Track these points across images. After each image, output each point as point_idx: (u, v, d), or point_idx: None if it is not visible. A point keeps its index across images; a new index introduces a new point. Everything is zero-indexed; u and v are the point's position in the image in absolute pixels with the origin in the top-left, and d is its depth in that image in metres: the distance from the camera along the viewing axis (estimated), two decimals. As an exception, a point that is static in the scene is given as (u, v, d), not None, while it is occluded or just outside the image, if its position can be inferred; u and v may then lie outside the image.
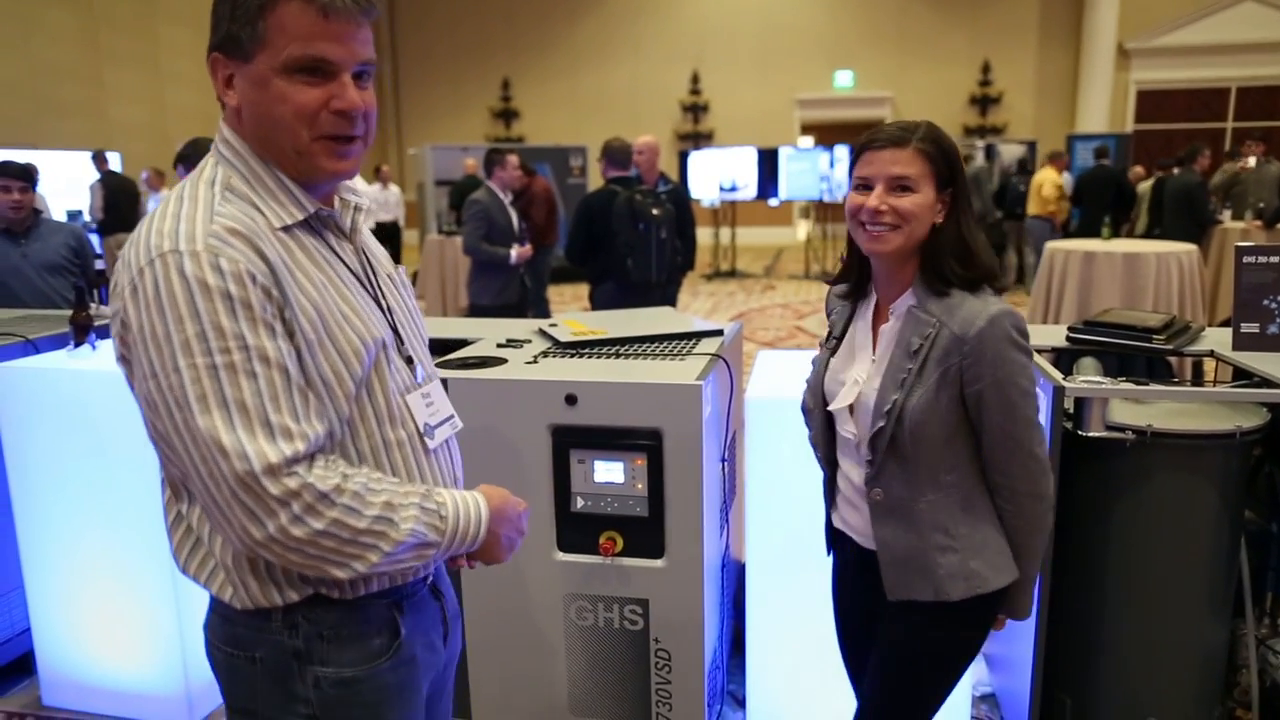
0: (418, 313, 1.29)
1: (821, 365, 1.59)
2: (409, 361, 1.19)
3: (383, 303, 1.17)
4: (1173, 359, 2.45)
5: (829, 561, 1.73)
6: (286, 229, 1.06)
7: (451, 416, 1.26)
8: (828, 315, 1.66)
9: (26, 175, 3.54)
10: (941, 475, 1.44)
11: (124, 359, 1.02)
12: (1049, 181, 9.18)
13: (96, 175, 9.05)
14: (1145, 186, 9.07)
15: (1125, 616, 2.13)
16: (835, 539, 1.68)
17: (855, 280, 1.57)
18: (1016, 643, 2.27)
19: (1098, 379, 2.09)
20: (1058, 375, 2.06)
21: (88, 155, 9.37)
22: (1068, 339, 2.46)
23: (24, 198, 3.52)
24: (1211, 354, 2.37)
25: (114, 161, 10.09)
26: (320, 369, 1.04)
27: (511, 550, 1.20)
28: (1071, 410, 2.11)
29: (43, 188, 8.20)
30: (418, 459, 1.16)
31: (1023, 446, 1.41)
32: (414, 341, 1.23)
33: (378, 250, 1.25)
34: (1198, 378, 2.73)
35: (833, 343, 1.59)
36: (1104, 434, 2.07)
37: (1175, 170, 8.22)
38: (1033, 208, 9.33)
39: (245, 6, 1.01)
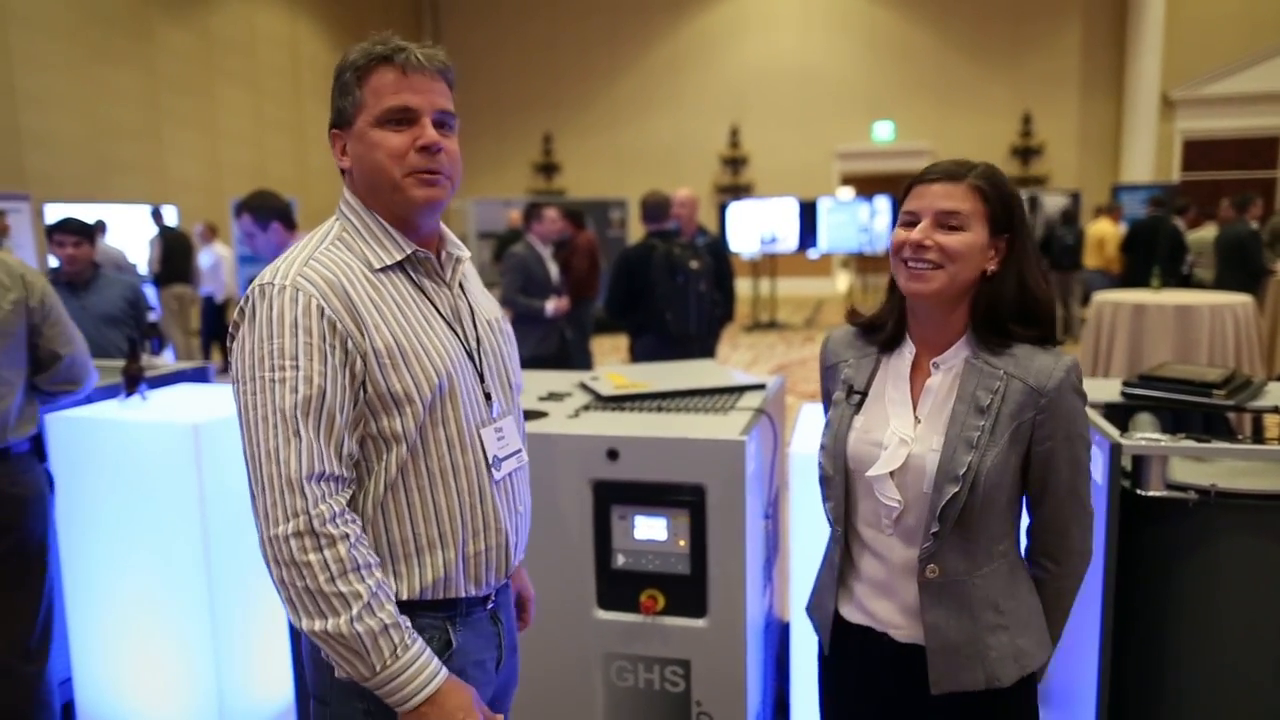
0: (512, 359, 1.46)
1: (844, 425, 1.41)
2: (487, 397, 1.32)
3: (469, 342, 1.31)
4: (1232, 415, 2.36)
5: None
6: (385, 269, 1.25)
7: (519, 450, 1.38)
8: (824, 364, 1.50)
9: (83, 231, 3.65)
10: (996, 545, 1.34)
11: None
12: (1110, 236, 9.05)
13: (155, 229, 9.33)
14: (1199, 235, 8.92)
15: (1194, 691, 2.02)
16: (846, 637, 1.46)
17: (890, 328, 1.42)
18: None
19: (1156, 435, 2.02)
20: (1115, 432, 1.99)
21: (147, 209, 9.66)
22: (1123, 394, 2.38)
23: (77, 252, 3.62)
24: (1276, 409, 2.29)
25: (171, 214, 10.43)
26: (392, 386, 1.19)
27: None
28: (1129, 469, 2.04)
29: (110, 239, 8.50)
30: (482, 485, 1.28)
31: (1084, 505, 1.35)
32: (495, 380, 1.37)
33: (482, 299, 1.43)
34: (1258, 434, 2.63)
35: (855, 399, 1.41)
36: (1165, 494, 1.99)
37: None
38: (1092, 260, 9.19)
39: (346, 84, 1.26)
